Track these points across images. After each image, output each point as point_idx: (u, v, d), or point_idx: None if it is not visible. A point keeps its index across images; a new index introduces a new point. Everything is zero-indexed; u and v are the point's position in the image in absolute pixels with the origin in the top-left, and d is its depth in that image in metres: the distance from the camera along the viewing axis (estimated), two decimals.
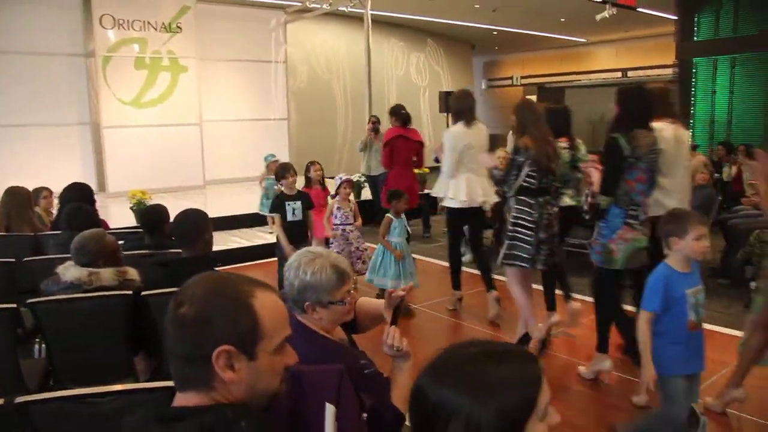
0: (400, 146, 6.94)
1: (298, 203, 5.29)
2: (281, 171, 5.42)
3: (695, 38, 12.10)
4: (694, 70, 12.39)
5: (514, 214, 4.24)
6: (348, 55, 14.48)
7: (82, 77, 10.77)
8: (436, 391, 1.01)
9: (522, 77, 17.76)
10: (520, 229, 4.22)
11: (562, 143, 4.49)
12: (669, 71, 13.03)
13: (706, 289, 5.71)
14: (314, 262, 1.95)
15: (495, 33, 15.75)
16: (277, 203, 5.31)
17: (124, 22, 10.64)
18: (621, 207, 3.72)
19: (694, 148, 8.96)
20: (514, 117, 4.27)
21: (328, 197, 6.34)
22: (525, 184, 4.17)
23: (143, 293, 2.91)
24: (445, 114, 10.42)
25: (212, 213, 8.36)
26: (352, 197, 6.05)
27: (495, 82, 18.69)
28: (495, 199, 5.22)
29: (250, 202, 8.87)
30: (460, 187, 5.08)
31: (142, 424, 1.14)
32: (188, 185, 11.20)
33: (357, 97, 13.31)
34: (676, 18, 12.26)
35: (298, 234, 5.25)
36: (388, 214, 5.40)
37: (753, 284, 5.59)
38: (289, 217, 5.22)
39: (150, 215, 4.05)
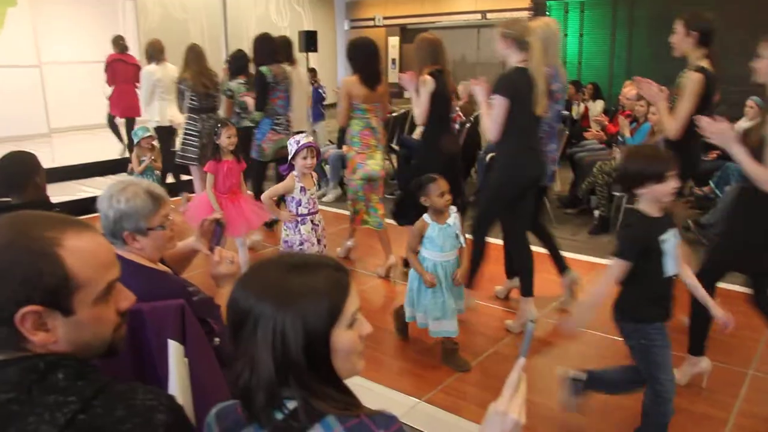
0: (119, 68, 7.95)
1: (675, 233, 2.42)
2: (660, 164, 2.34)
3: None
4: (547, 13, 12.85)
5: (185, 127, 5.92)
6: None
7: None
8: (244, 298, 1.04)
9: (384, 18, 17.67)
10: (188, 137, 5.89)
11: (241, 80, 5.91)
12: (525, 14, 13.43)
13: (555, 218, 6.16)
14: (126, 190, 1.89)
15: None
16: (639, 239, 2.38)
17: None
18: (269, 118, 5.41)
19: None
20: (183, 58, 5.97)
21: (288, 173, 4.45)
22: (190, 104, 5.87)
23: None
24: (305, 53, 10.17)
25: (60, 162, 7.96)
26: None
27: (357, 23, 18.46)
28: (181, 119, 6.37)
29: (101, 149, 8.35)
30: (153, 111, 6.81)
31: None
32: (30, 133, 10.21)
33: (214, 38, 12.69)
34: None
35: (668, 300, 2.51)
36: (424, 216, 3.39)
37: (596, 213, 6.01)
38: (670, 269, 2.39)
39: None
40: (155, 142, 6.18)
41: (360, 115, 4.61)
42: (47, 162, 7.86)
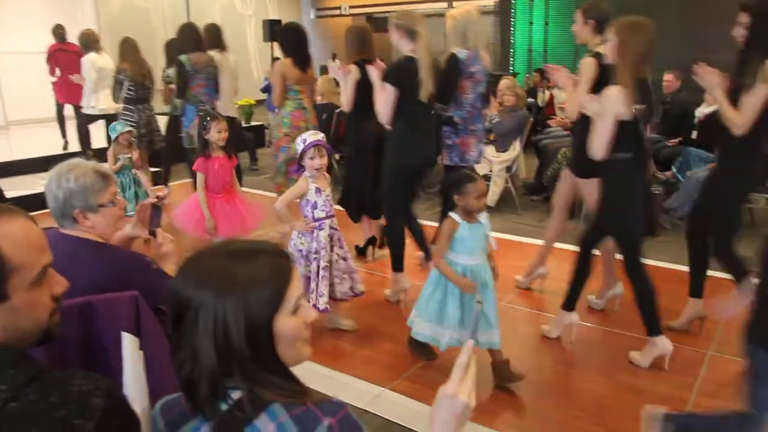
0: (62, 57, 7.86)
1: None
2: None
3: None
4: (513, 2, 12.90)
5: (121, 117, 6.10)
6: None
7: None
8: (184, 287, 1.02)
9: (350, 7, 17.57)
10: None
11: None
12: (491, 2, 13.45)
13: (521, 205, 6.19)
14: (75, 169, 1.92)
15: None
16: None
17: None
18: (192, 105, 5.56)
19: (514, 75, 9.42)
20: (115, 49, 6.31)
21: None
22: (127, 95, 6.14)
23: None
24: (270, 43, 10.05)
25: (18, 156, 7.75)
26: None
27: (323, 12, 18.35)
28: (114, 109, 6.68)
29: (60, 142, 8.18)
30: (100, 98, 7.03)
31: None
32: None
33: (177, 28, 12.47)
34: None
35: None
36: (451, 214, 3.06)
37: None
38: None
39: None
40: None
41: (293, 96, 4.89)
42: (4, 155, 7.74)
